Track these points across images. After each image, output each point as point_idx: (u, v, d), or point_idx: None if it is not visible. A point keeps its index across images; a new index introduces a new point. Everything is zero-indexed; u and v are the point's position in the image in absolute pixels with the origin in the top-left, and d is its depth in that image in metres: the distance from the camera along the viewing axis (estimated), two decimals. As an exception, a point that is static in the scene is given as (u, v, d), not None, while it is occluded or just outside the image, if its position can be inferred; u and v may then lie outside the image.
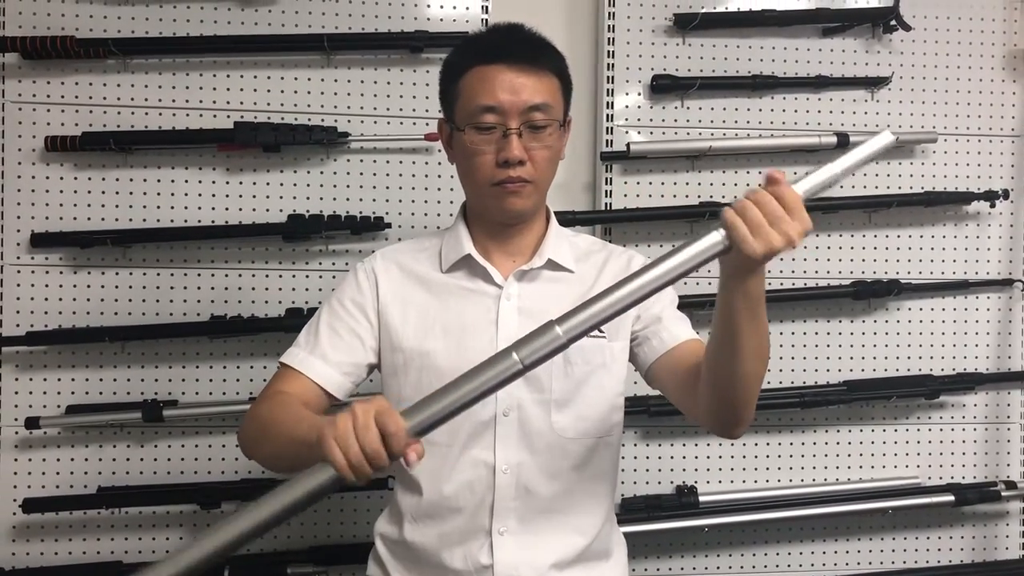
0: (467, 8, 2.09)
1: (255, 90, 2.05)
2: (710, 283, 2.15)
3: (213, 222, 2.03)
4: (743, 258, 1.03)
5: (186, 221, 2.02)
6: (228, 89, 2.04)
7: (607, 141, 2.13)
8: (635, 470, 2.16)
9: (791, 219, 1.02)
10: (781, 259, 2.16)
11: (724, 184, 2.17)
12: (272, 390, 1.31)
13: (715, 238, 1.04)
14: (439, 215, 2.09)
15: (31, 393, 2.00)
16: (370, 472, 0.96)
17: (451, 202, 2.08)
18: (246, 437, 1.29)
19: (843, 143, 2.14)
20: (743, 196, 1.03)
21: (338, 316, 1.37)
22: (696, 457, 2.17)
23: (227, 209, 2.04)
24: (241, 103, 2.04)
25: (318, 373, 1.33)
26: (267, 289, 2.05)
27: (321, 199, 2.06)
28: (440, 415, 0.98)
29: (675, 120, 2.16)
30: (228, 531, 0.93)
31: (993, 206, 2.22)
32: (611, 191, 2.14)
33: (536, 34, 1.35)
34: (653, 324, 1.38)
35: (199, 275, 2.04)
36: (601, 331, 1.35)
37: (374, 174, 2.08)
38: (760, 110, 2.19)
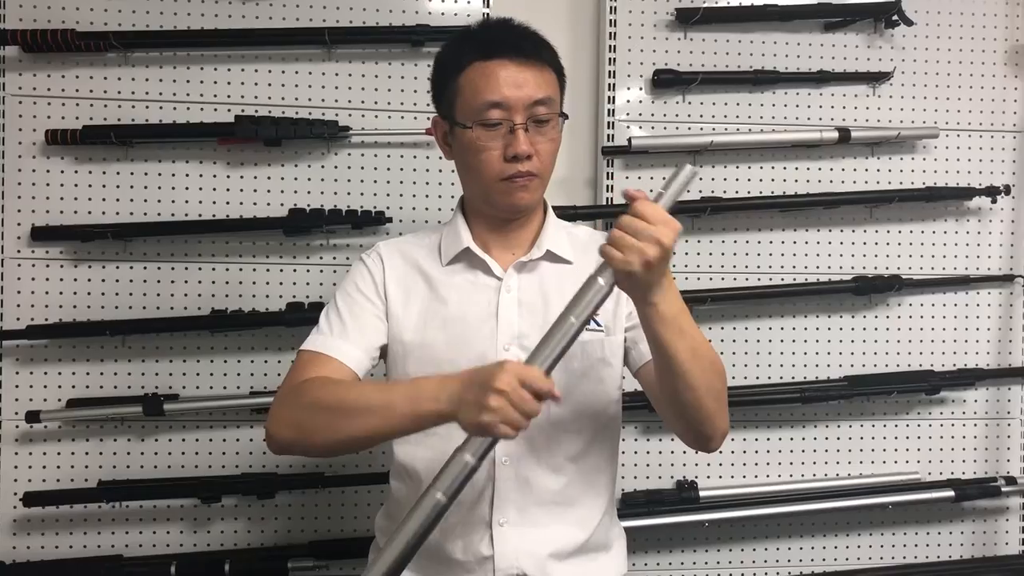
0: (468, 2, 2.09)
1: (256, 84, 2.04)
2: (711, 278, 2.15)
3: (214, 216, 2.03)
4: (627, 278, 1.09)
5: (187, 215, 2.02)
6: (229, 83, 2.04)
7: (608, 136, 2.13)
8: (635, 465, 2.16)
9: (654, 225, 1.07)
10: (783, 255, 2.17)
11: (725, 179, 2.17)
12: (303, 376, 1.28)
13: (603, 273, 1.11)
14: (440, 209, 2.09)
15: (31, 387, 2.00)
16: (527, 427, 1.06)
17: (452, 196, 2.08)
18: (295, 427, 1.23)
19: (844, 138, 2.14)
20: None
21: (355, 300, 1.38)
22: (696, 452, 2.17)
23: (228, 203, 2.04)
24: (242, 97, 2.04)
25: (347, 355, 1.32)
26: (268, 283, 2.05)
27: (322, 193, 2.06)
28: (554, 355, 1.09)
29: (676, 115, 2.16)
30: (415, 518, 1.07)
31: (994, 202, 2.22)
32: (612, 186, 2.13)
33: (531, 28, 1.35)
34: (637, 329, 1.39)
35: (200, 269, 2.03)
36: (599, 325, 1.36)
37: (375, 168, 2.07)
38: (762, 105, 2.19)
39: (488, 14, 2.09)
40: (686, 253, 2.15)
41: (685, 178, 1.14)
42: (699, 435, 1.28)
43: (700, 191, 2.15)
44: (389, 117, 2.08)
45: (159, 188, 2.02)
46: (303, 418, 1.22)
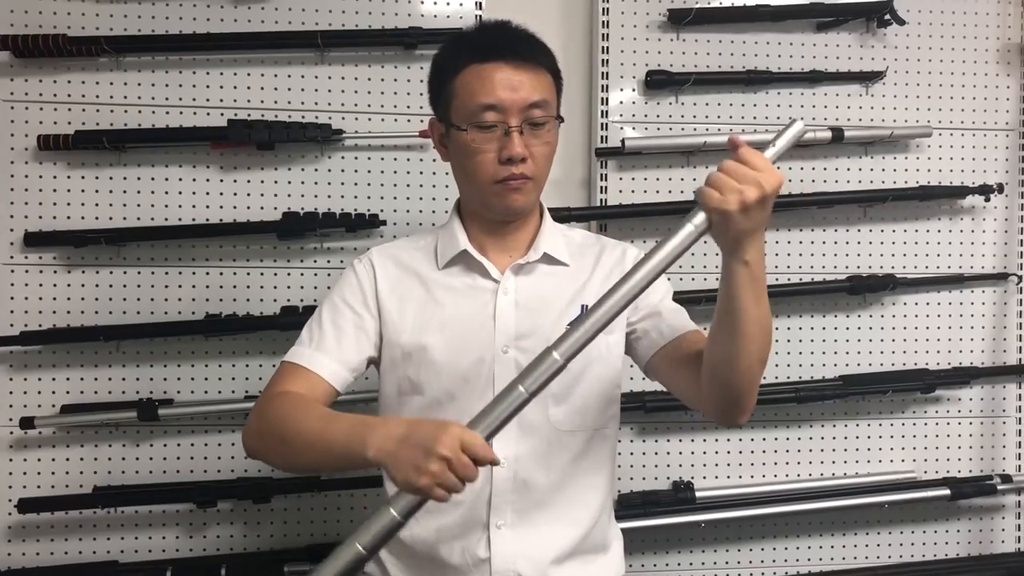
0: (461, 4, 2.08)
1: (249, 88, 2.04)
2: (705, 278, 2.15)
3: (207, 220, 2.02)
4: (723, 221, 1.07)
5: (180, 219, 2.02)
6: (221, 87, 2.03)
7: (602, 137, 2.13)
8: (631, 466, 2.16)
9: (757, 172, 1.06)
10: (776, 254, 2.17)
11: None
12: (279, 388, 1.30)
13: (697, 216, 1.08)
14: (434, 212, 2.08)
15: (26, 393, 1.99)
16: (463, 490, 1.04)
17: (446, 199, 2.08)
18: (258, 438, 1.27)
19: (838, 138, 2.14)
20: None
21: (340, 312, 1.37)
22: (692, 453, 2.18)
23: (221, 207, 2.04)
24: (235, 101, 2.03)
25: (326, 369, 1.32)
26: (262, 287, 2.05)
27: (316, 197, 2.05)
28: (498, 422, 1.05)
29: (670, 116, 2.16)
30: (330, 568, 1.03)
31: (988, 200, 2.22)
32: (606, 187, 2.13)
33: (527, 31, 1.35)
34: (651, 317, 1.38)
35: (194, 273, 2.03)
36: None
37: (368, 171, 2.07)
38: (755, 105, 2.19)
39: (481, 16, 2.09)
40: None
41: (794, 134, 1.10)
42: (734, 407, 1.26)
43: (694, 192, 2.14)
44: (382, 120, 2.07)
45: (152, 193, 2.02)
46: (265, 434, 1.25)
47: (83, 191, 2.00)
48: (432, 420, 1.09)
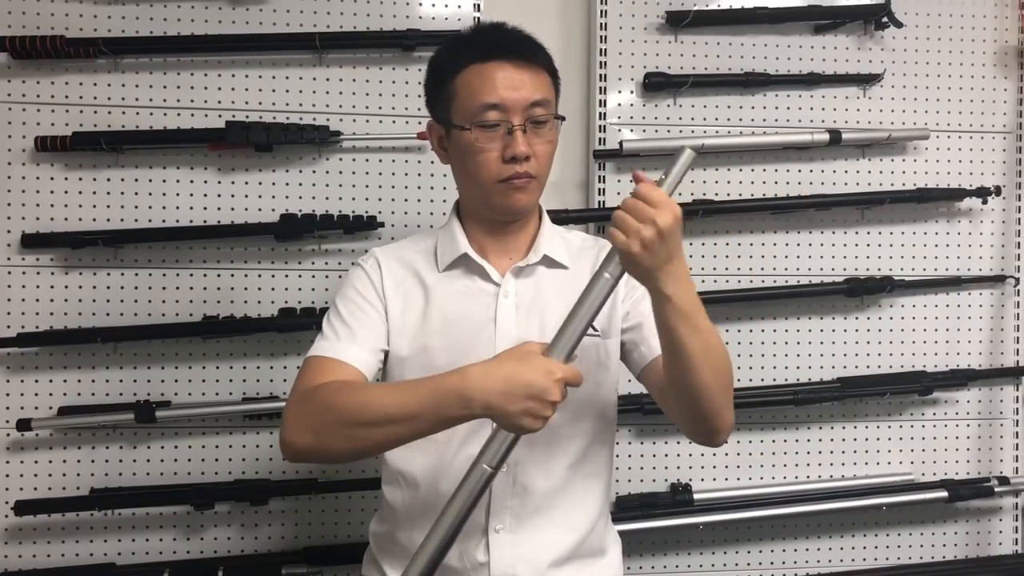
0: (459, 7, 2.09)
1: (247, 89, 2.04)
2: (703, 280, 2.15)
3: (205, 222, 2.02)
4: (629, 262, 1.11)
5: (178, 221, 2.02)
6: (219, 88, 2.03)
7: (600, 139, 2.13)
8: (629, 468, 2.16)
9: (655, 208, 1.09)
10: (775, 256, 2.17)
11: (717, 182, 2.17)
12: (313, 382, 1.25)
13: (613, 258, 1.14)
14: (432, 214, 2.08)
15: (23, 395, 1.99)
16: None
17: (444, 201, 2.08)
18: (310, 431, 1.19)
19: (835, 140, 2.14)
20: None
21: (356, 304, 1.37)
22: (690, 455, 2.17)
23: (219, 209, 2.03)
24: (232, 102, 2.03)
25: (355, 358, 1.31)
26: (260, 289, 2.05)
27: (313, 198, 2.05)
28: (572, 343, 1.14)
29: (668, 118, 2.16)
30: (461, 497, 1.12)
31: (985, 202, 2.22)
32: (604, 189, 2.13)
33: (525, 32, 1.36)
34: (640, 328, 1.39)
35: (191, 275, 2.03)
36: (595, 329, 1.36)
37: (366, 173, 2.07)
38: (752, 107, 2.19)
39: (479, 18, 2.09)
40: (678, 256, 2.15)
41: (685, 161, 1.16)
42: (707, 429, 1.27)
43: (692, 193, 2.16)
44: (380, 122, 2.07)
45: (150, 194, 2.01)
46: (320, 425, 1.19)
47: (81, 192, 1.99)
48: (515, 356, 1.13)
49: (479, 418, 1.12)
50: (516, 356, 1.12)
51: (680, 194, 2.12)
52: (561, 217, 1.97)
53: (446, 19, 2.08)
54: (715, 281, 2.17)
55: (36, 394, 1.99)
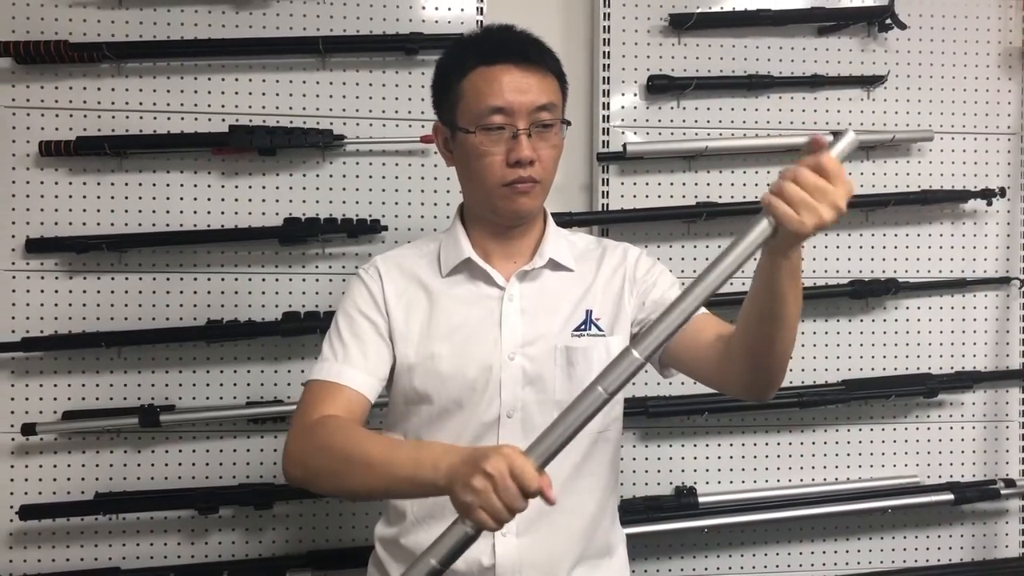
0: (462, 9, 2.09)
1: (250, 93, 2.04)
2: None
3: (209, 226, 2.02)
4: (791, 236, 1.02)
5: (182, 225, 2.02)
6: (223, 92, 2.03)
7: (603, 142, 2.13)
8: (634, 471, 2.15)
9: (835, 187, 1.00)
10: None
11: (721, 184, 2.17)
12: (317, 412, 1.27)
13: (762, 226, 1.03)
14: (435, 217, 2.08)
15: (27, 399, 1.99)
16: (510, 520, 1.02)
17: (447, 204, 2.08)
18: (304, 466, 1.23)
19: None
20: (779, 177, 1.02)
21: (357, 322, 1.36)
22: (695, 458, 2.17)
23: (223, 213, 2.03)
24: (236, 106, 2.03)
25: (357, 382, 1.31)
26: (263, 293, 2.05)
27: (317, 202, 2.05)
28: (554, 448, 1.04)
29: (671, 120, 2.16)
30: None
31: (990, 204, 2.22)
32: (608, 192, 2.13)
33: (532, 35, 1.35)
34: (660, 309, 1.37)
35: (195, 279, 2.03)
36: (600, 328, 1.35)
37: (370, 176, 2.07)
38: (756, 110, 2.19)
39: (481, 22, 2.09)
40: (682, 259, 2.15)
41: (849, 143, 1.04)
42: (767, 385, 1.26)
43: (696, 196, 2.15)
44: (384, 125, 2.07)
45: (153, 199, 2.02)
46: (312, 462, 1.22)
47: (84, 197, 1.99)
48: (491, 445, 1.10)
49: (442, 487, 1.07)
50: (493, 446, 1.08)
51: (684, 196, 2.14)
52: (565, 220, 1.97)
53: (449, 22, 2.08)
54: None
55: (40, 398, 1.99)
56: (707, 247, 2.16)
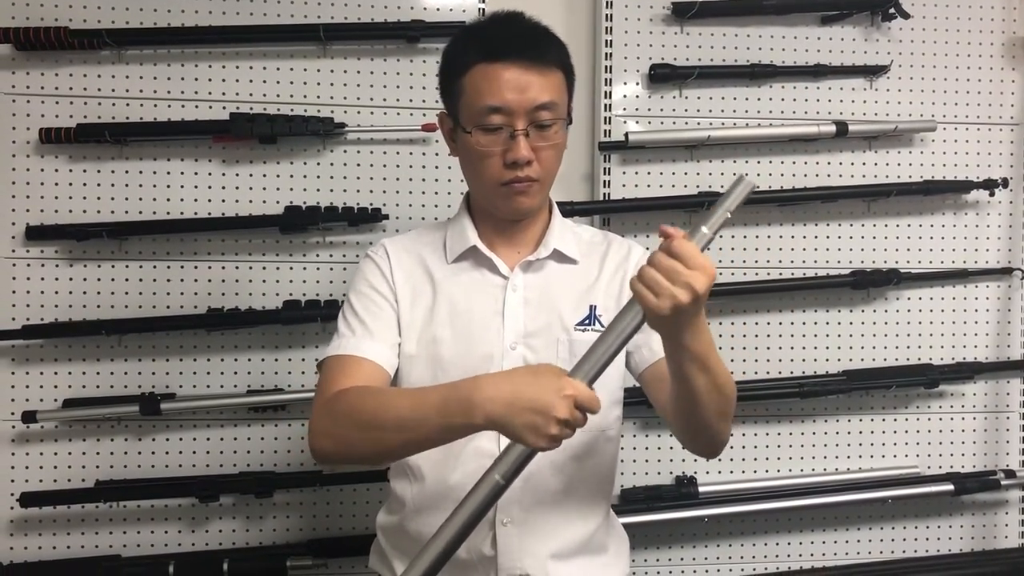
0: (464, -3, 2.08)
1: (251, 81, 2.03)
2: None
3: (209, 214, 2.02)
4: (654, 318, 1.06)
5: (182, 213, 2.01)
6: (224, 80, 2.03)
7: (605, 131, 2.12)
8: (634, 461, 2.16)
9: (690, 269, 1.03)
10: (780, 249, 2.17)
11: (723, 173, 2.16)
12: (337, 385, 1.26)
13: (635, 309, 1.07)
14: (437, 206, 2.08)
15: (27, 387, 1.99)
16: None
17: (449, 193, 2.07)
18: (333, 438, 1.22)
19: (842, 132, 2.13)
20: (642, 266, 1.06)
21: (370, 299, 1.36)
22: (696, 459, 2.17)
23: (223, 201, 2.03)
24: (237, 94, 2.03)
25: (375, 353, 1.31)
26: (264, 281, 2.04)
27: (318, 190, 2.05)
28: (630, 329, 1.08)
29: (673, 110, 2.15)
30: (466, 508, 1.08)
31: (992, 195, 2.22)
32: (610, 181, 2.13)
33: (539, 25, 1.32)
34: (643, 333, 1.37)
35: (196, 267, 2.03)
36: (602, 324, 1.35)
37: (371, 165, 2.06)
38: (759, 99, 2.18)
39: (484, 9, 2.08)
40: (684, 248, 2.15)
41: (736, 197, 1.08)
42: (704, 447, 1.30)
43: (698, 186, 2.15)
44: (385, 113, 2.07)
45: (154, 187, 2.01)
46: (342, 432, 1.20)
47: (85, 184, 1.99)
48: (530, 371, 1.10)
49: (483, 429, 1.10)
50: (531, 371, 1.11)
51: (686, 186, 2.14)
52: (566, 209, 1.97)
53: (451, 10, 2.07)
54: (720, 274, 2.13)
55: (41, 386, 1.99)
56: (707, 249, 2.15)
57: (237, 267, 2.04)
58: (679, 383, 1.17)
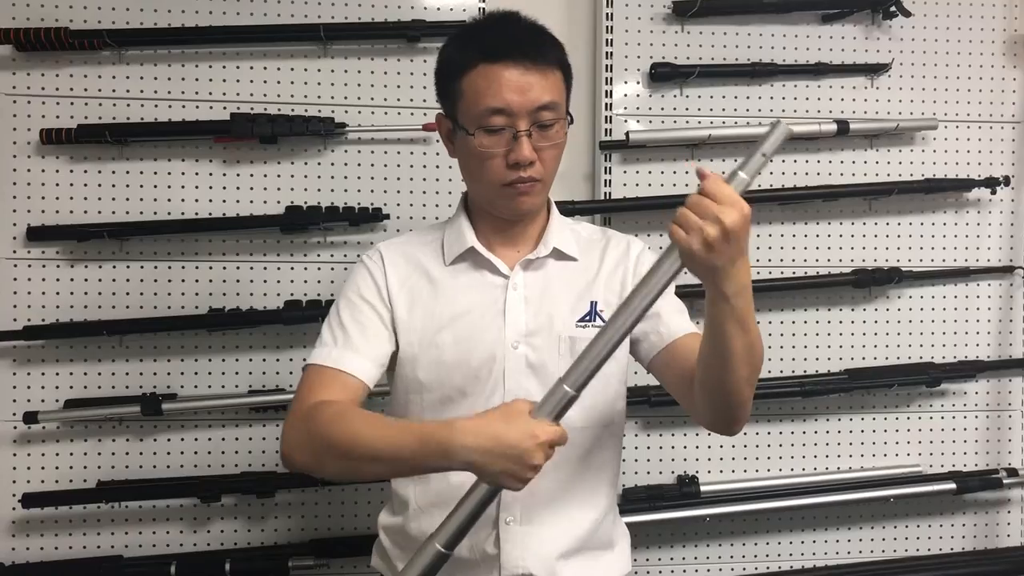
0: (464, -3, 2.08)
1: (251, 81, 2.03)
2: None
3: (210, 214, 2.02)
4: (690, 260, 1.06)
5: (183, 213, 2.01)
6: (224, 80, 2.03)
7: (606, 130, 2.12)
8: (636, 460, 2.16)
9: (722, 206, 1.04)
10: (781, 248, 2.16)
11: (724, 172, 2.15)
12: (315, 397, 1.26)
13: (672, 252, 1.07)
14: (437, 206, 2.08)
15: (29, 388, 1.99)
16: None
17: (449, 192, 2.07)
18: (308, 452, 1.22)
19: (843, 130, 2.13)
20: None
21: (358, 308, 1.35)
22: (697, 447, 2.17)
23: (224, 201, 2.03)
24: (237, 94, 2.03)
25: (356, 367, 1.30)
26: (265, 281, 2.04)
27: (319, 190, 2.05)
28: (666, 278, 1.09)
29: (674, 108, 2.15)
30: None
31: (994, 193, 2.21)
32: (610, 180, 2.13)
33: (536, 25, 1.32)
34: (652, 318, 1.37)
35: (197, 268, 2.03)
36: (604, 320, 1.35)
37: (372, 165, 2.06)
38: (759, 97, 2.18)
39: (484, 9, 2.08)
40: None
41: (773, 142, 1.07)
42: (727, 419, 1.28)
43: (699, 185, 2.14)
44: (386, 113, 2.07)
45: (155, 187, 2.01)
46: (314, 448, 1.21)
47: (86, 185, 1.99)
48: (503, 416, 1.11)
49: (458, 469, 1.12)
50: (503, 416, 1.11)
51: (687, 185, 2.13)
52: (567, 209, 1.97)
53: (451, 9, 2.07)
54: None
55: (42, 387, 1.99)
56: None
57: (238, 267, 2.04)
58: (715, 342, 1.15)
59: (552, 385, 1.12)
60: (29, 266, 1.98)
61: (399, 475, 1.18)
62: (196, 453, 2.04)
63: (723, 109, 2.16)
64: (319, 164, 2.05)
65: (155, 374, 2.02)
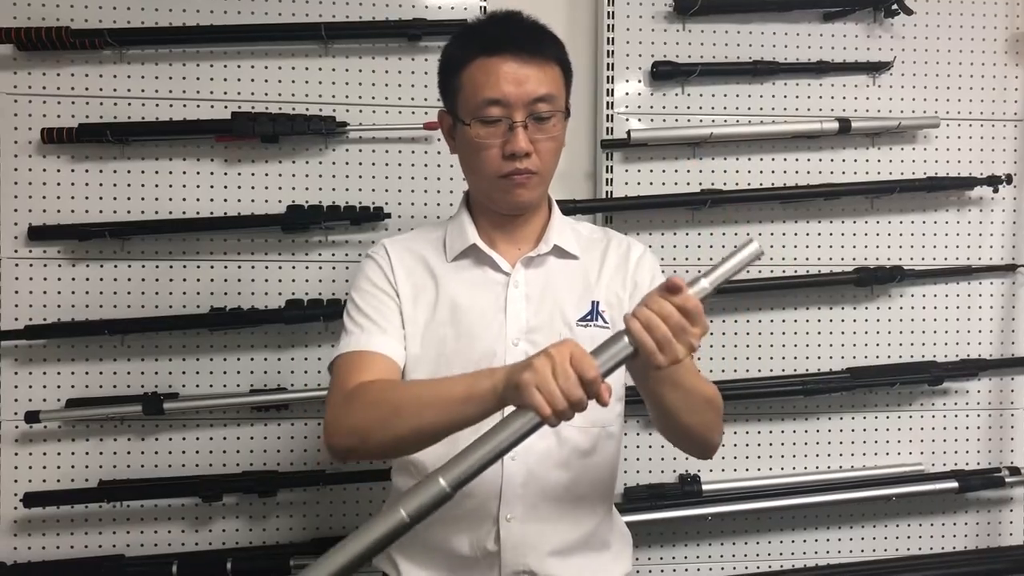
0: (465, -5, 2.08)
1: (252, 80, 2.03)
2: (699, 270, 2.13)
3: (212, 213, 2.02)
4: (651, 365, 1.05)
5: (184, 213, 2.01)
6: (225, 79, 2.03)
7: (607, 129, 2.12)
8: (638, 459, 2.15)
9: (693, 327, 1.04)
10: (783, 246, 2.16)
11: (725, 171, 2.16)
12: (351, 381, 1.25)
13: (623, 345, 1.04)
14: (439, 204, 2.08)
15: (31, 387, 1.99)
16: (571, 416, 1.00)
17: (451, 191, 2.07)
18: (351, 433, 1.20)
19: (845, 129, 2.12)
20: (644, 306, 1.04)
21: (375, 295, 1.36)
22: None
23: (226, 200, 2.03)
24: (239, 93, 2.03)
25: (387, 348, 1.31)
26: (267, 280, 2.04)
27: (320, 189, 2.05)
28: (616, 360, 1.03)
29: (676, 107, 2.15)
30: (464, 460, 0.99)
31: (996, 191, 2.21)
32: (612, 179, 2.12)
33: (536, 22, 1.34)
34: None
35: (198, 267, 2.03)
36: (605, 321, 1.35)
37: (373, 164, 2.06)
38: (761, 96, 2.17)
39: (485, 7, 2.08)
40: (687, 246, 2.15)
41: (745, 259, 1.10)
42: (692, 451, 1.35)
43: (700, 183, 2.14)
44: (387, 112, 2.07)
45: (156, 186, 2.01)
46: (360, 423, 1.19)
47: (87, 184, 1.99)
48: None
49: (502, 390, 1.06)
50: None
51: (688, 184, 2.13)
52: (569, 207, 1.97)
53: (452, 8, 2.07)
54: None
55: (44, 386, 1.99)
56: (711, 235, 2.16)
57: (239, 266, 2.04)
58: (651, 401, 1.22)
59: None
60: (31, 265, 1.98)
61: (444, 416, 1.12)
62: (197, 452, 2.04)
63: (724, 108, 2.16)
64: (320, 163, 2.05)
65: (156, 373, 2.02)
